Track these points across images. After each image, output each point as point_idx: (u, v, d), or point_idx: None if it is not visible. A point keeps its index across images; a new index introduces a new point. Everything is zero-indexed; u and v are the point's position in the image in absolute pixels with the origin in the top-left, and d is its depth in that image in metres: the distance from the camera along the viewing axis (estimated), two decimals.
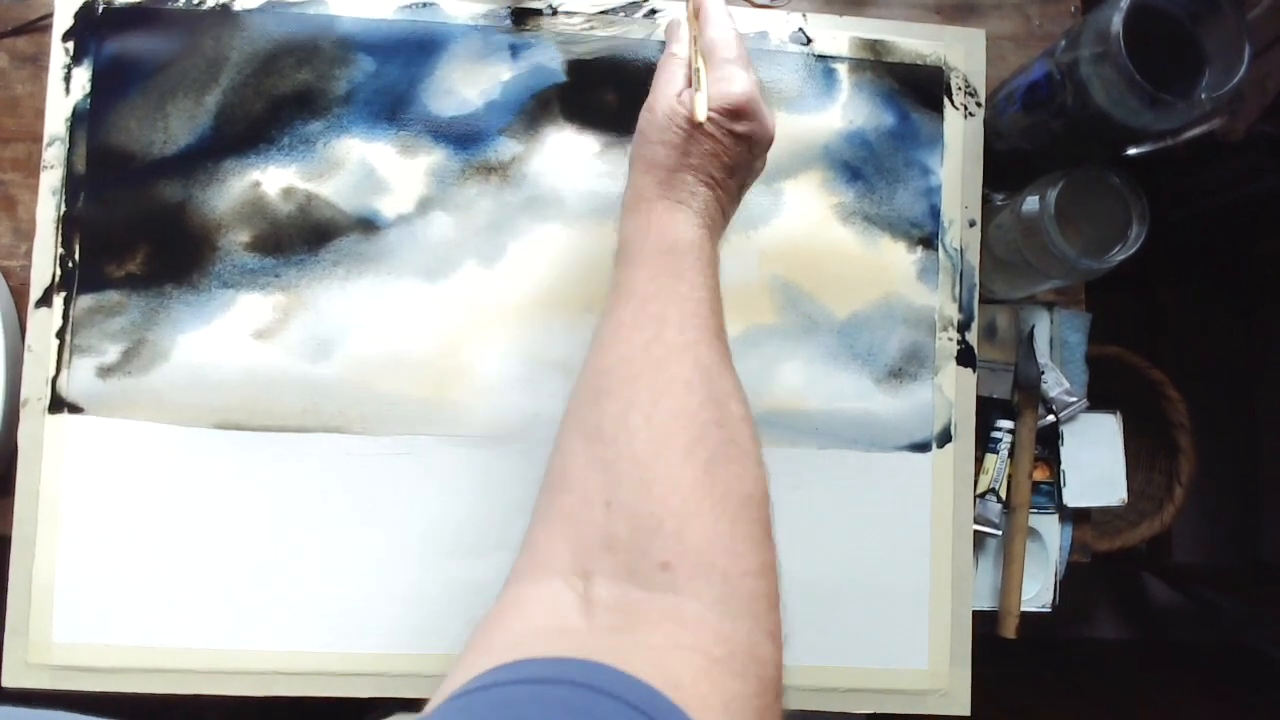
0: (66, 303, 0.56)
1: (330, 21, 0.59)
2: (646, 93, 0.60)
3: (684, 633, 0.32)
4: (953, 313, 0.62)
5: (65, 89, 0.57)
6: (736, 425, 0.38)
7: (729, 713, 0.29)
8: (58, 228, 0.57)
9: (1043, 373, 0.64)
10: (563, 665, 0.28)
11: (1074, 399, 0.64)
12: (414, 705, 0.57)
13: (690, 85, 0.45)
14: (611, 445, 0.37)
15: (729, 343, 0.42)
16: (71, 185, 0.57)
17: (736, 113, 0.44)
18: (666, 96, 0.45)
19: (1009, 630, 0.62)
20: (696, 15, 0.48)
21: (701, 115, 0.43)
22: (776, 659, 0.33)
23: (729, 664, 0.31)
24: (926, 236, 0.62)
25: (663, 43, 0.61)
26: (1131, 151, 0.57)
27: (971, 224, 0.62)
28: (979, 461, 0.63)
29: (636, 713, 0.26)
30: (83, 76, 0.57)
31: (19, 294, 0.58)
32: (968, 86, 0.63)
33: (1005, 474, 0.63)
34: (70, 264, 0.57)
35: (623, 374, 0.39)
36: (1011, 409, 0.64)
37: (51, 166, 0.57)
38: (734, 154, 0.45)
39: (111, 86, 0.57)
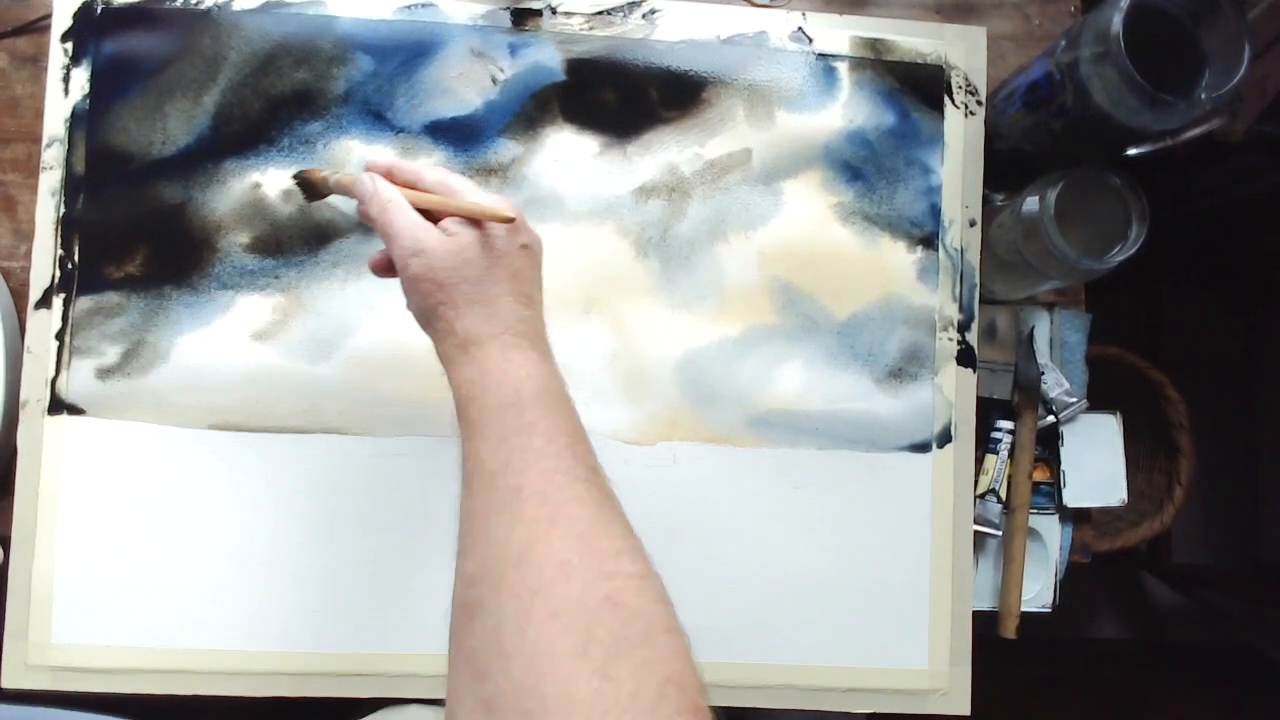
0: (66, 304, 0.56)
1: (329, 22, 0.59)
2: (646, 94, 0.61)
3: None
4: (953, 313, 0.62)
5: (64, 90, 0.57)
6: (633, 593, 0.33)
7: None
8: (57, 229, 0.57)
9: (1043, 373, 0.64)
10: None
11: (1074, 399, 0.64)
12: (405, 703, 0.57)
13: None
14: (489, 679, 0.32)
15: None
16: (71, 186, 0.57)
17: (516, 226, 0.42)
18: (428, 234, 0.41)
19: (1009, 630, 0.62)
20: (389, 177, 0.45)
21: (510, 212, 0.41)
22: None
23: None
24: (927, 236, 0.62)
25: (661, 42, 0.61)
26: (1131, 152, 0.57)
27: (972, 224, 0.62)
28: (979, 462, 0.63)
29: None
30: (81, 77, 0.57)
31: (19, 295, 0.58)
32: (968, 85, 0.63)
33: (1005, 474, 0.63)
34: (70, 265, 0.57)
35: (488, 582, 0.34)
36: (1011, 409, 0.64)
37: (51, 168, 0.57)
38: (530, 267, 0.43)
39: (110, 87, 0.57)
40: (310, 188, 0.51)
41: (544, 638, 0.31)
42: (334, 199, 0.58)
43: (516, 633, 0.32)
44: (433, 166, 0.45)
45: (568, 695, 0.30)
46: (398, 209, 0.42)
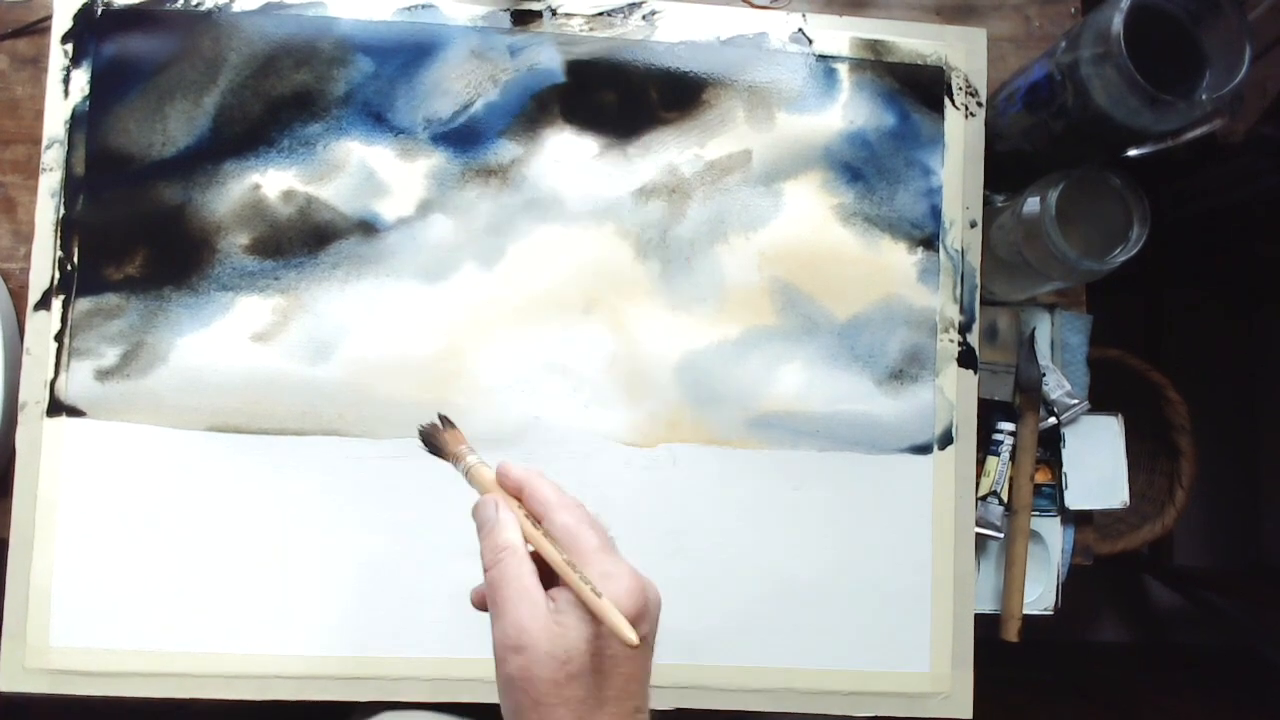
0: (65, 305, 0.56)
1: (329, 23, 0.59)
2: (646, 95, 0.60)
3: None
4: (954, 314, 0.61)
5: (64, 91, 0.57)
6: None
7: None
8: (57, 230, 0.57)
9: (1044, 375, 0.64)
10: None
11: (1075, 401, 0.64)
12: (406, 706, 0.56)
13: (543, 589, 0.36)
14: None
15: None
16: (70, 188, 0.57)
17: (638, 616, 0.34)
18: (534, 623, 0.34)
19: (1011, 634, 0.62)
20: (518, 495, 0.39)
21: (633, 637, 0.33)
22: None
23: None
24: (927, 237, 0.62)
25: (661, 44, 0.61)
26: (1132, 152, 0.57)
27: (972, 225, 0.62)
28: (980, 464, 0.63)
29: None
30: (81, 79, 0.57)
31: (18, 297, 0.58)
32: (969, 86, 0.62)
33: (1007, 476, 0.63)
34: (69, 267, 0.57)
35: None
36: (1013, 411, 0.64)
37: (50, 169, 0.57)
38: (644, 668, 0.36)
39: (110, 88, 0.57)
40: (433, 443, 0.44)
41: None
42: (333, 198, 0.58)
43: None
44: (568, 502, 0.37)
45: None
46: (512, 566, 0.36)
